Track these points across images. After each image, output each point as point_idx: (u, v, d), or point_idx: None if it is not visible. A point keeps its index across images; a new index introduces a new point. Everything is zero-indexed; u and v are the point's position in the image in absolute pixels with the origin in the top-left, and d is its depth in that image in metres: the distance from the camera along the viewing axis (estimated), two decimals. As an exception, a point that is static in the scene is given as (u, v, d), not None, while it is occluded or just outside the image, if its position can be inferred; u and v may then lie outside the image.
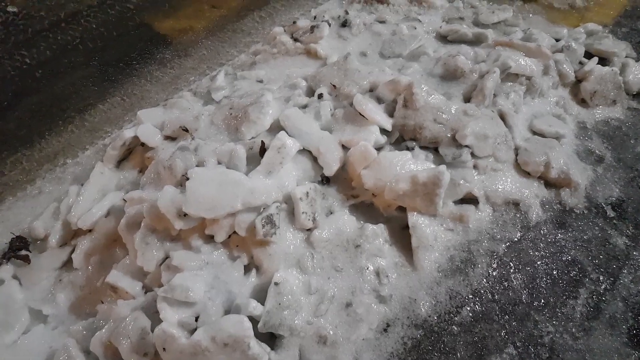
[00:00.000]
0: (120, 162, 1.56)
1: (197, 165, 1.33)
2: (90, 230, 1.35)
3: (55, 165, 1.60)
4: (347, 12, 1.93)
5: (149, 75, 1.84)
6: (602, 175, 1.45)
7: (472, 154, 1.37)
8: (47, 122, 1.73)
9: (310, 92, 1.57)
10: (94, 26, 2.02)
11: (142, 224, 1.21)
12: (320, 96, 1.51)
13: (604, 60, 1.75)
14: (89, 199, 1.40)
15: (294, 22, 1.89)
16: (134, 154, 1.57)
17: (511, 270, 1.23)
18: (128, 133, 1.51)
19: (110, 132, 1.70)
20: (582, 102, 1.64)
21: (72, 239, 1.38)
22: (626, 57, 1.78)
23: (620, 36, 1.89)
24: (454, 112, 1.39)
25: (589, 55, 1.75)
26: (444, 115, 1.39)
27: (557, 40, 1.77)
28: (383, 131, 1.41)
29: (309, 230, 1.21)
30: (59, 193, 1.51)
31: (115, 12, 2.06)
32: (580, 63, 1.71)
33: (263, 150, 1.34)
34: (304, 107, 1.50)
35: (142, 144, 1.53)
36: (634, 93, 1.68)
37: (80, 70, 1.90)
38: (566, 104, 1.61)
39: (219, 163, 1.33)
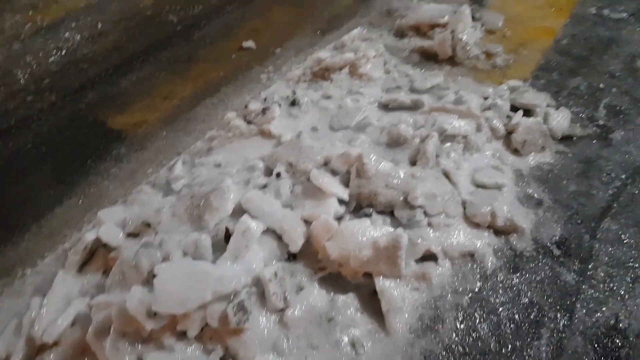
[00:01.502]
0: (82, 266, 1.56)
1: (162, 261, 1.36)
2: (56, 343, 1.32)
3: (13, 278, 1.56)
4: (294, 92, 2.09)
5: (105, 172, 1.89)
6: (544, 216, 1.59)
7: (425, 213, 1.49)
8: (1, 233, 1.72)
9: (269, 172, 1.67)
10: (46, 129, 2.06)
11: (112, 329, 1.21)
12: (278, 175, 1.60)
13: (528, 112, 1.96)
14: (53, 309, 1.38)
15: (246, 106, 2.02)
16: (96, 256, 1.58)
17: (477, 321, 1.31)
18: (89, 236, 1.53)
19: (69, 235, 1.70)
20: (515, 152, 1.82)
21: (38, 354, 1.34)
22: (547, 106, 2.01)
23: (540, 88, 2.13)
24: (402, 176, 1.52)
25: (515, 108, 1.97)
26: (394, 181, 1.51)
27: (485, 99, 1.99)
28: (341, 202, 1.51)
29: (281, 310, 1.25)
30: (19, 308, 1.46)
31: (66, 113, 2.12)
32: (508, 117, 1.91)
33: (228, 235, 1.39)
34: (264, 187, 1.59)
35: (104, 245, 1.54)
36: (559, 137, 1.89)
37: (34, 175, 1.91)
38: (501, 155, 1.78)
39: (185, 255, 1.38)
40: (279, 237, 1.42)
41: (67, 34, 2.46)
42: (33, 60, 2.34)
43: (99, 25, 2.52)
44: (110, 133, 2.05)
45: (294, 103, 2.04)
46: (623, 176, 1.74)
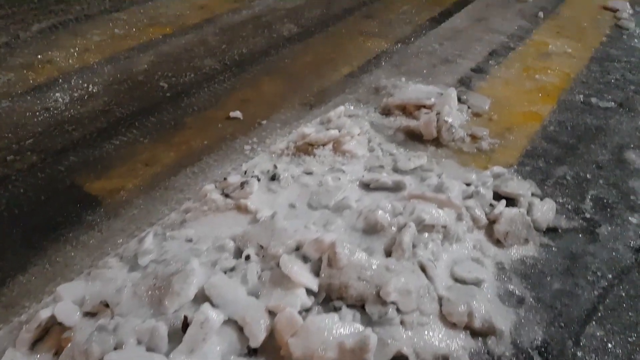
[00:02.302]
0: (34, 344, 1.47)
1: (115, 348, 1.28)
2: None
3: (-41, 354, 1.47)
4: (275, 167, 2.07)
5: (75, 240, 1.83)
6: (525, 317, 1.51)
7: (398, 310, 1.41)
8: (-44, 302, 1.63)
9: (238, 253, 1.61)
10: (22, 191, 2.03)
11: None
12: (247, 258, 1.54)
13: (512, 201, 1.93)
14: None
15: (225, 179, 1.99)
16: (50, 333, 1.48)
17: None
18: (44, 313, 1.45)
19: (28, 306, 1.61)
20: (498, 243, 1.77)
21: None
22: (532, 195, 1.98)
23: (525, 175, 2.12)
24: (376, 268, 1.46)
25: (498, 196, 1.94)
26: (367, 272, 1.45)
27: (468, 185, 1.96)
28: (310, 292, 1.44)
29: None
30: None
31: (45, 175, 2.09)
32: (491, 205, 1.87)
33: (186, 325, 1.31)
34: (232, 270, 1.52)
35: (60, 323, 1.46)
36: (544, 230, 1.85)
37: (3, 238, 1.85)
38: (483, 246, 1.73)
39: (139, 343, 1.29)
40: (241, 329, 1.34)
41: (56, 95, 2.49)
42: (19, 119, 2.35)
43: (90, 88, 2.55)
44: (86, 198, 2.00)
45: (274, 178, 2.01)
46: (610, 276, 1.68)
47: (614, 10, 3.55)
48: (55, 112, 2.40)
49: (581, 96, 2.67)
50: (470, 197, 1.86)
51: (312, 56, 3.00)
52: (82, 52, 2.85)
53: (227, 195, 1.94)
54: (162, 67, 2.76)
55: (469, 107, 2.54)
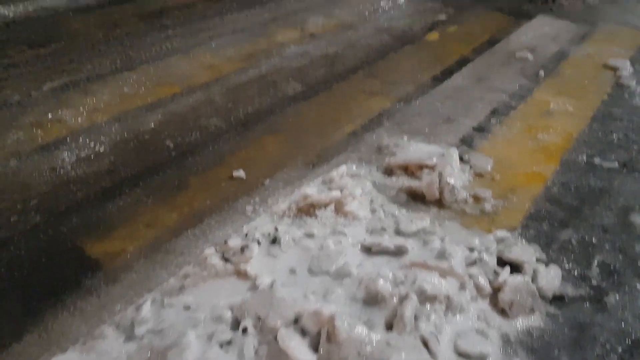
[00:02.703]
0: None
1: None
2: None
3: None
4: (276, 229, 2.08)
5: (72, 306, 1.82)
6: (533, 396, 1.47)
7: (399, 389, 1.37)
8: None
9: (236, 324, 1.59)
10: (23, 253, 2.04)
11: None
12: (244, 331, 1.52)
13: (517, 267, 1.91)
14: None
15: (226, 242, 2.00)
16: (40, 408, 1.46)
17: None
18: (36, 387, 1.43)
19: (21, 378, 1.60)
20: (503, 312, 1.74)
21: None
22: (537, 261, 1.96)
23: (529, 239, 2.11)
24: (376, 344, 1.43)
25: (502, 262, 1.92)
26: (367, 348, 1.42)
27: (471, 250, 1.95)
28: (308, 368, 1.41)
29: None
30: None
31: (47, 236, 2.11)
32: (495, 272, 1.85)
33: (179, 405, 1.28)
34: (228, 343, 1.50)
35: (51, 398, 1.44)
36: (550, 298, 1.82)
37: (1, 304, 1.85)
38: (487, 316, 1.70)
39: None
40: (236, 409, 1.30)
41: (64, 154, 2.55)
42: (26, 179, 2.40)
43: (96, 147, 2.61)
44: (86, 262, 2.01)
45: (274, 241, 2.02)
46: (620, 349, 1.63)
47: (615, 69, 3.63)
48: (61, 171, 2.45)
49: (584, 156, 2.69)
50: (473, 263, 1.84)
51: (316, 114, 3.08)
52: (91, 111, 2.94)
53: (227, 260, 1.94)
54: (169, 126, 2.84)
55: (471, 167, 2.57)
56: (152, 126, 2.83)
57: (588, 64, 3.75)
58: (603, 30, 4.34)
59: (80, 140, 2.68)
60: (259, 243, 1.99)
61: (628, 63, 3.66)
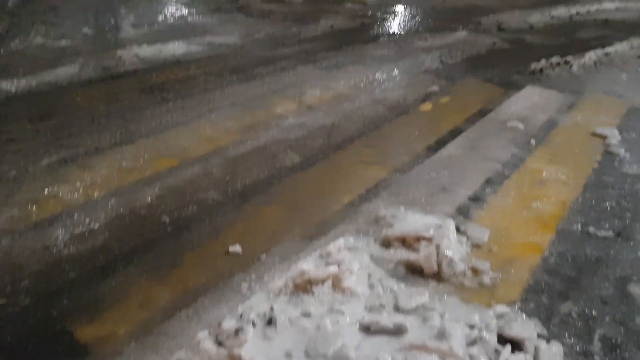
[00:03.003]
0: None
1: None
2: None
3: None
4: (272, 309, 2.05)
5: (58, 395, 1.76)
6: None
7: None
8: None
9: (229, 415, 1.53)
10: (10, 339, 1.99)
11: None
12: (238, 423, 1.47)
13: (518, 344, 1.87)
14: None
15: (219, 324, 1.96)
16: None
17: None
18: None
19: None
20: (507, 396, 1.69)
21: None
22: (538, 337, 1.93)
23: (529, 312, 2.09)
24: None
25: (503, 339, 1.89)
26: None
27: (471, 327, 1.92)
28: None
29: None
30: None
31: (36, 320, 2.07)
32: (496, 351, 1.82)
33: None
34: None
35: None
36: (555, 379, 1.77)
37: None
38: (491, 401, 1.65)
39: None
40: None
41: (58, 232, 2.57)
42: (17, 258, 2.40)
43: (91, 224, 2.63)
44: (75, 348, 1.96)
45: (270, 322, 1.98)
46: None
47: (603, 137, 3.75)
48: (54, 250, 2.45)
49: (579, 225, 2.72)
50: (474, 343, 1.81)
51: (313, 185, 3.13)
52: (88, 186, 2.99)
53: (220, 344, 1.90)
54: (166, 200, 2.88)
55: (468, 239, 2.58)
56: (149, 200, 2.87)
57: (577, 132, 3.88)
58: (589, 99, 4.53)
59: (75, 216, 2.71)
60: (253, 325, 1.96)
61: (616, 131, 3.79)
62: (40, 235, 2.56)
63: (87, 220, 2.67)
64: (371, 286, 2.26)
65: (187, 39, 5.40)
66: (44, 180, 3.08)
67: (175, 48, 5.16)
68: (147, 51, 5.00)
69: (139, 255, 2.43)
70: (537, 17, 6.91)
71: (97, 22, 5.78)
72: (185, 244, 2.53)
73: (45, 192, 2.93)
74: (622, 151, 3.54)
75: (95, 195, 2.91)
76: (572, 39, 6.24)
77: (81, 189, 2.97)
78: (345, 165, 3.41)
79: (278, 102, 4.26)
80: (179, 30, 5.67)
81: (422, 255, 2.36)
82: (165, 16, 6.08)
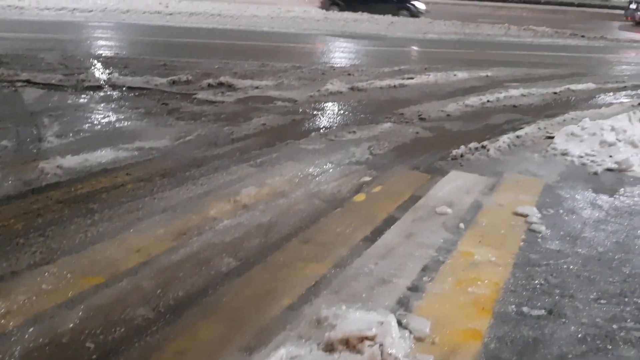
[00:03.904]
0: None
1: None
2: None
3: None
4: None
5: None
6: None
7: None
8: None
9: None
10: None
11: None
12: None
13: None
14: None
15: None
16: None
17: None
18: None
19: None
20: None
21: None
22: None
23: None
24: None
25: None
26: None
27: None
28: None
29: None
30: None
31: None
32: None
33: None
34: None
35: None
36: None
37: None
38: None
39: None
40: None
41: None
42: None
43: (6, 359, 2.43)
44: None
45: None
46: None
47: (525, 215, 4.08)
48: (-41, 396, 2.22)
49: (513, 306, 2.87)
50: None
51: (251, 290, 3.11)
52: (2, 315, 2.78)
53: None
54: (91, 323, 2.72)
55: (410, 332, 2.63)
56: (72, 325, 2.69)
57: (501, 213, 4.21)
58: (508, 180, 4.97)
59: (-11, 353, 2.49)
60: None
61: (535, 209, 4.16)
62: (-59, 382, 2.32)
63: (4, 356, 2.46)
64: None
65: (115, 145, 5.42)
66: (-51, 313, 2.83)
67: (102, 156, 5.15)
68: (71, 161, 4.93)
69: (59, 393, 2.25)
70: (453, 106, 7.66)
71: (18, 133, 5.69)
72: (113, 373, 2.38)
73: (-50, 328, 2.69)
74: (543, 228, 3.86)
75: (11, 325, 2.69)
76: (486, 124, 6.94)
77: (-6, 320, 2.75)
78: (283, 264, 3.43)
79: (212, 204, 4.29)
80: (106, 137, 5.69)
81: (367, 357, 2.37)
82: (93, 124, 6.12)
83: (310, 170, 5.07)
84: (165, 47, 12.12)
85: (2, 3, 16.55)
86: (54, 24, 14.08)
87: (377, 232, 3.89)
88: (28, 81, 7.78)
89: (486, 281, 3.12)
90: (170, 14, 16.94)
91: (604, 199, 4.59)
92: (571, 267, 3.36)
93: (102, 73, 8.60)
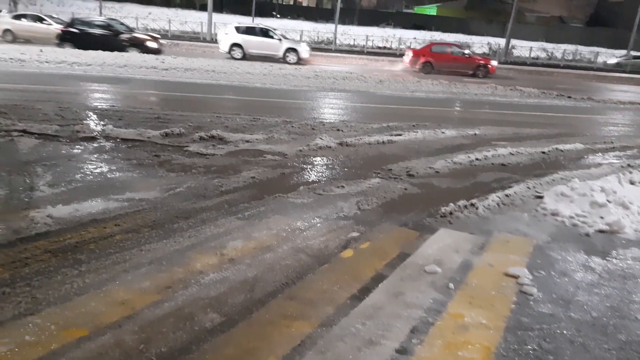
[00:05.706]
0: None
1: None
2: None
3: None
4: None
5: None
6: None
7: None
8: None
9: None
10: None
11: None
12: None
13: None
14: None
15: None
16: None
17: None
18: None
19: None
20: None
21: None
22: None
23: None
24: None
25: None
26: None
27: None
28: None
29: None
30: None
31: None
32: None
33: None
34: None
35: None
36: None
37: None
38: None
39: None
40: None
41: None
42: None
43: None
44: None
45: None
46: None
47: (516, 277, 4.10)
48: None
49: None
50: None
51: (234, 349, 3.06)
52: (-21, 372, 2.71)
53: None
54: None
55: (398, 398, 2.59)
56: (50, 384, 2.63)
57: (491, 273, 4.23)
58: (497, 239, 5.03)
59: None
60: None
61: (526, 271, 4.18)
62: None
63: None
64: None
65: (106, 195, 5.45)
66: None
67: (93, 206, 5.16)
68: (62, 211, 4.95)
69: None
70: (441, 164, 7.83)
71: (11, 182, 5.73)
72: None
73: None
74: (534, 290, 3.87)
75: (-14, 380, 2.63)
76: (475, 182, 7.08)
77: (-32, 377, 2.68)
78: (268, 322, 3.40)
79: (198, 257, 4.28)
80: (98, 187, 5.73)
81: (352, 422, 2.32)
82: (85, 174, 6.18)
83: (297, 224, 5.10)
84: (159, 100, 12.41)
85: (5, 56, 17.06)
86: (52, 76, 14.42)
87: (365, 291, 3.88)
88: (24, 131, 7.88)
89: (477, 345, 3.10)
90: (166, 69, 17.42)
91: (596, 262, 4.63)
92: (565, 332, 3.35)
93: (96, 124, 8.75)
